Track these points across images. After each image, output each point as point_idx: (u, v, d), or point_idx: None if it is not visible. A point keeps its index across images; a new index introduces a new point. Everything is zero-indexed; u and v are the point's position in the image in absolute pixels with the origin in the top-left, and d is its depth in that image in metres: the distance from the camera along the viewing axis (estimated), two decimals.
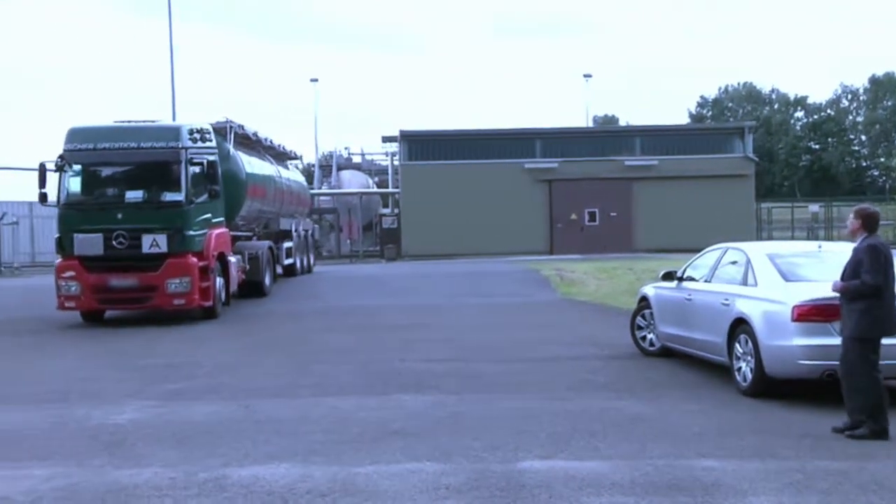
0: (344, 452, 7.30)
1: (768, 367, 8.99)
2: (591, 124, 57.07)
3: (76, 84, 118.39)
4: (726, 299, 9.97)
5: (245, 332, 15.38)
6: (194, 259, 16.52)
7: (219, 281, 17.47)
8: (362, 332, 14.95)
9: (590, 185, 38.51)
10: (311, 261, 28.42)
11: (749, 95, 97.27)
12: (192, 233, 16.52)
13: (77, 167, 16.87)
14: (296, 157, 29.04)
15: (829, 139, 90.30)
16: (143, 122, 17.45)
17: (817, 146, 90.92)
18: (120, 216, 16.33)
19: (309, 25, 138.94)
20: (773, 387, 9.09)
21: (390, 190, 44.54)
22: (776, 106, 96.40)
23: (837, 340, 7.97)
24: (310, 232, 28.79)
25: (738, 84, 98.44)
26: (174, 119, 31.71)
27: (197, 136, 17.07)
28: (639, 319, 12.37)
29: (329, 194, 44.30)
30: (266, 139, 23.56)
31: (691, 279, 11.25)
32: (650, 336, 12.09)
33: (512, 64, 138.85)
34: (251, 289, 20.23)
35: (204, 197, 16.98)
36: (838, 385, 7.92)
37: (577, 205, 38.91)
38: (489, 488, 6.29)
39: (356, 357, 12.38)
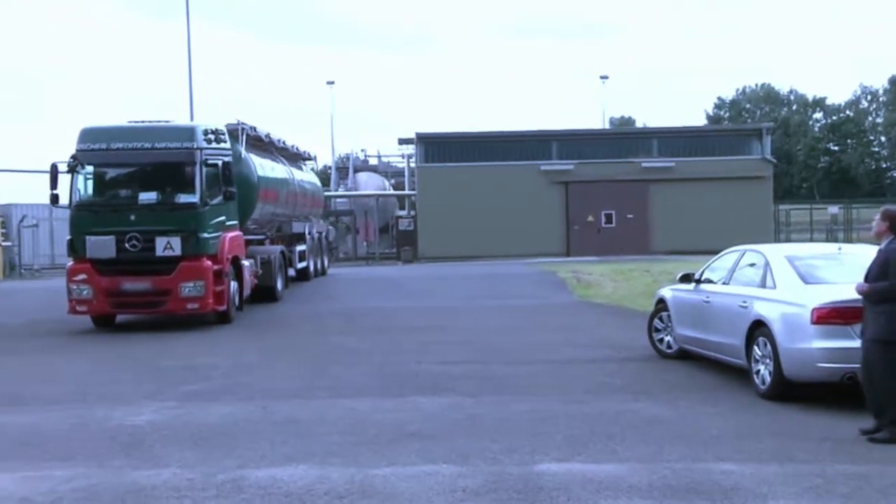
0: (361, 454, 7.31)
1: (787, 370, 8.93)
2: (607, 126, 57.06)
3: (81, 85, 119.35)
4: (744, 301, 9.92)
5: (260, 335, 15.39)
6: (208, 262, 16.22)
7: (233, 285, 17.22)
8: (378, 335, 14.96)
9: (606, 186, 38.35)
10: (326, 263, 28.23)
11: (767, 96, 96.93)
12: (206, 235, 16.24)
13: (90, 168, 16.56)
14: (310, 158, 28.45)
15: (849, 140, 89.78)
16: (158, 122, 17.15)
17: (836, 147, 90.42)
18: (133, 218, 16.01)
19: (326, 27, 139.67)
20: (792, 390, 9.03)
21: (406, 192, 44.51)
22: (794, 107, 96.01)
23: (857, 343, 7.91)
24: (324, 234, 28.51)
25: (756, 85, 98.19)
26: (192, 120, 31.74)
27: (212, 136, 16.82)
28: (656, 322, 12.32)
29: (345, 196, 44.29)
30: (279, 140, 23.26)
31: (709, 281, 11.20)
32: (667, 338, 12.03)
33: (529, 65, 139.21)
34: (263, 294, 19.98)
35: (218, 199, 16.66)
36: (858, 388, 7.85)
37: (593, 207, 38.76)
38: (506, 491, 6.29)
39: (372, 359, 12.39)
